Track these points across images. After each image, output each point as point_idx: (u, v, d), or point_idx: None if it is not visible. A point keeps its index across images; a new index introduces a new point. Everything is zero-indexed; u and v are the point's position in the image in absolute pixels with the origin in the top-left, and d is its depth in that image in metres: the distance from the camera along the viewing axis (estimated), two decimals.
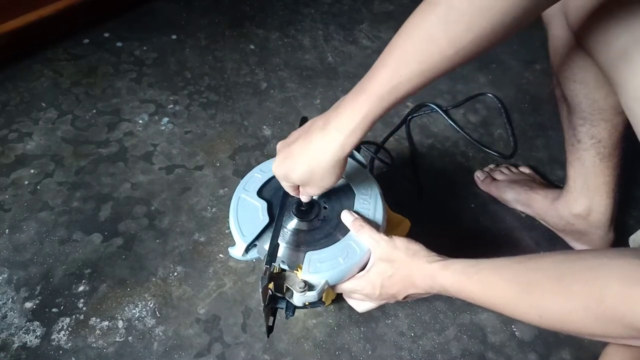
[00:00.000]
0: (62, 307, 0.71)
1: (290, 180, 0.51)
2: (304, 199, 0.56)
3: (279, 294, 0.54)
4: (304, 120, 0.54)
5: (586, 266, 0.38)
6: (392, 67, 0.42)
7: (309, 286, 0.52)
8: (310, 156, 0.48)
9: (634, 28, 0.48)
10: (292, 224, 0.58)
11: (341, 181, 0.62)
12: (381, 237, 0.53)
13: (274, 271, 0.52)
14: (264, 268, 0.50)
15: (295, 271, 0.54)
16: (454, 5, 0.38)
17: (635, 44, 0.48)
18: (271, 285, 0.52)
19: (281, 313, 0.58)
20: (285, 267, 0.53)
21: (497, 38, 0.39)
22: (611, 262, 0.37)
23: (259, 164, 0.64)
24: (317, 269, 0.53)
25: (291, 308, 0.56)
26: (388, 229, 0.62)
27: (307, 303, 0.54)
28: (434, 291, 0.50)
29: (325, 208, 0.60)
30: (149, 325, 0.71)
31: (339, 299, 0.71)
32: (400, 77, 0.42)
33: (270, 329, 0.55)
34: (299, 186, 0.53)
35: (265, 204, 0.59)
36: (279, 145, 0.52)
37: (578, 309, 0.37)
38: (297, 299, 0.53)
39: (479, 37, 0.39)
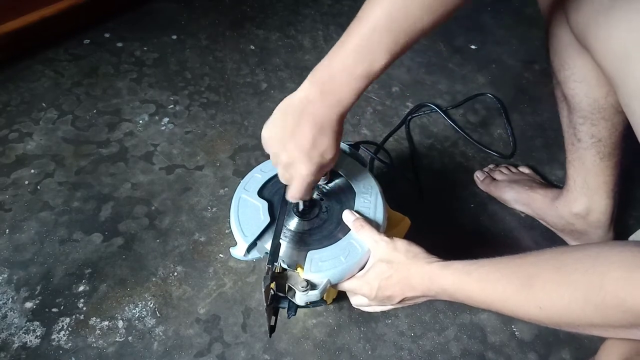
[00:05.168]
0: (62, 307, 0.71)
1: (327, 158, 0.50)
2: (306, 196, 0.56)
3: (281, 294, 0.54)
4: None
5: (586, 255, 0.38)
6: (386, 48, 0.43)
7: (311, 285, 0.52)
8: (335, 137, 0.49)
9: (633, 23, 0.48)
10: (293, 223, 0.58)
11: (342, 180, 0.63)
12: (381, 238, 0.53)
13: (276, 271, 0.52)
14: (266, 268, 0.50)
15: (296, 270, 0.54)
16: None
17: (634, 41, 0.48)
18: (273, 285, 0.52)
19: (282, 313, 0.58)
20: (286, 266, 0.53)
21: None
22: (611, 250, 0.37)
23: (259, 164, 0.64)
24: (318, 268, 0.53)
25: (293, 307, 0.56)
26: (388, 227, 0.62)
27: (309, 302, 0.54)
28: (431, 293, 0.50)
29: (325, 207, 0.60)
30: (149, 325, 0.71)
31: (340, 298, 0.71)
32: (392, 56, 0.44)
33: (272, 329, 0.55)
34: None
35: (266, 204, 0.59)
36: (277, 159, 0.50)
37: (578, 298, 0.37)
38: (300, 298, 0.53)
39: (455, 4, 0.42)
